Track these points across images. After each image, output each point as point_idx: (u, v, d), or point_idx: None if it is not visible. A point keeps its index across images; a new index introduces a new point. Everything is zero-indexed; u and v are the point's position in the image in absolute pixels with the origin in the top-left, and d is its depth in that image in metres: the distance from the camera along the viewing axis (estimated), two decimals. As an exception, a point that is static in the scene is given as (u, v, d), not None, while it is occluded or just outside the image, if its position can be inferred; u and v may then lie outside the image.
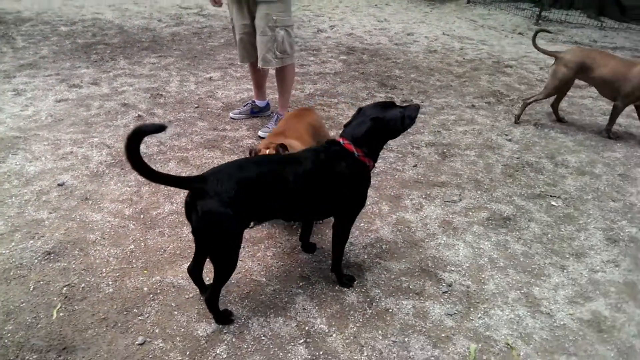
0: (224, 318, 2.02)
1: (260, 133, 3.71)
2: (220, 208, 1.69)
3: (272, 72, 3.87)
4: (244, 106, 4.07)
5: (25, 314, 2.01)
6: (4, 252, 2.36)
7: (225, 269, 1.87)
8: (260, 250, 2.50)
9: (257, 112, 4.06)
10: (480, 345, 2.00)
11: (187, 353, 1.88)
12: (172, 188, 2.90)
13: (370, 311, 2.16)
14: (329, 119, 4.12)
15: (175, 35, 6.44)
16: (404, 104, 2.24)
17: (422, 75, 5.39)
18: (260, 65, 3.54)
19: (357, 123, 2.06)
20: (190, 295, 2.16)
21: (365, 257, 2.51)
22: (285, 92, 3.82)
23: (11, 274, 2.23)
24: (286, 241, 2.59)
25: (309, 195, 1.97)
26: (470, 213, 2.92)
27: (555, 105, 4.25)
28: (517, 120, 4.20)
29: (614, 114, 3.89)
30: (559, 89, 4.03)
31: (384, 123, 2.02)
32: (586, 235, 2.74)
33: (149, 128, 1.57)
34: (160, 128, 1.58)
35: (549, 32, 6.05)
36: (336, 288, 2.27)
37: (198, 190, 1.71)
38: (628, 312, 2.21)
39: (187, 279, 2.19)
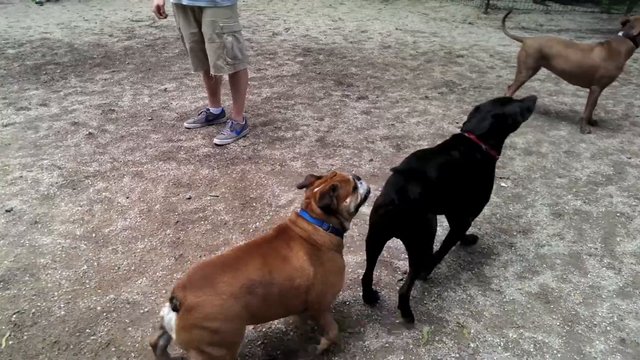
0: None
1: (215, 140, 3.70)
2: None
3: (226, 78, 3.88)
4: (199, 115, 4.06)
5: (-26, 345, 1.97)
6: (-50, 284, 2.29)
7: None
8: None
9: (212, 120, 4.05)
10: (432, 327, 2.05)
11: (143, 367, 1.87)
12: (125, 203, 2.89)
13: (327, 306, 2.19)
14: (285, 120, 4.15)
15: (128, 49, 6.35)
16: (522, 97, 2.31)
17: (378, 71, 5.47)
18: (212, 72, 3.53)
19: (478, 119, 2.15)
20: (146, 310, 2.14)
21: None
22: (240, 97, 3.82)
23: (-41, 306, 2.17)
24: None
25: (454, 187, 2.03)
26: (424, 201, 2.99)
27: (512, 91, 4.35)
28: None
29: (592, 99, 3.79)
30: (527, 75, 4.03)
31: (505, 118, 2.12)
32: (533, 212, 2.84)
33: None
34: None
35: (510, 14, 6.12)
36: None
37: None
38: (573, 281, 2.31)
39: (143, 294, 2.17)
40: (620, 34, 3.56)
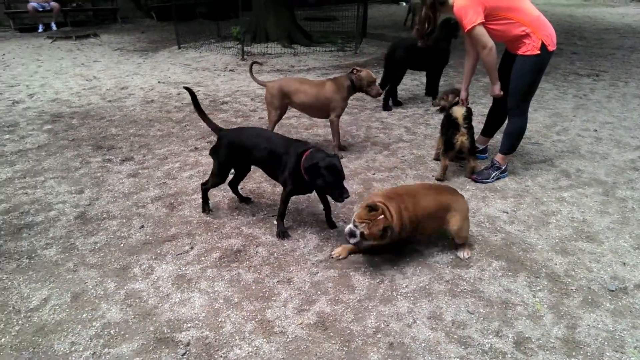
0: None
1: None
2: None
3: None
4: None
5: None
6: None
7: None
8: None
9: None
10: (222, 396, 1.95)
11: None
12: None
13: (101, 416, 1.87)
14: (34, 202, 3.56)
15: None
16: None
17: (142, 128, 5.21)
18: None
19: None
20: None
21: (90, 353, 2.19)
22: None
23: None
24: None
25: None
26: (203, 258, 2.90)
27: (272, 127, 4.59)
28: None
29: (334, 128, 4.28)
30: (277, 114, 4.34)
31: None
32: (305, 242, 3.03)
33: None
34: None
35: (260, 63, 6.65)
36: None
37: None
38: (344, 300, 2.52)
39: None
40: (347, 74, 4.21)
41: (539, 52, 3.36)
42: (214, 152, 3.24)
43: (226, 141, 3.13)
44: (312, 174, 2.76)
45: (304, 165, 2.79)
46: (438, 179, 3.84)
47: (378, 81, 4.55)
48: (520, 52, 3.43)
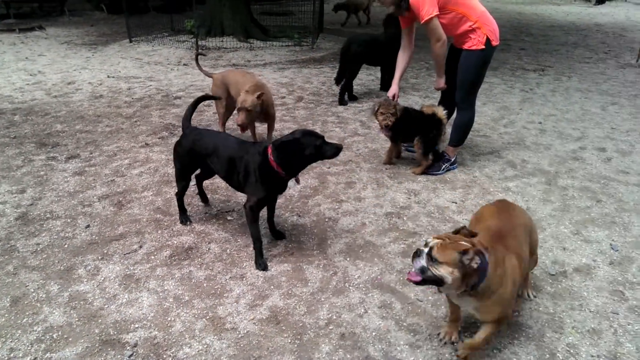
0: None
1: None
2: None
3: None
4: None
5: None
6: None
7: None
8: None
9: None
10: (170, 396, 1.91)
11: None
12: None
13: (41, 423, 1.79)
14: (-31, 204, 3.35)
15: None
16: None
17: (89, 124, 5.00)
18: None
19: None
20: None
21: (30, 358, 2.09)
22: None
23: None
24: None
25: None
26: (152, 257, 2.82)
27: (222, 123, 4.53)
28: None
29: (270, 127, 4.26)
30: (223, 104, 4.34)
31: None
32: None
33: None
34: None
35: (203, 54, 6.49)
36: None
37: None
38: (297, 294, 2.52)
39: None
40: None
41: (483, 47, 3.46)
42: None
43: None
44: (294, 150, 2.50)
45: (277, 148, 2.52)
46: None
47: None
48: (465, 46, 3.52)
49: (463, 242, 1.73)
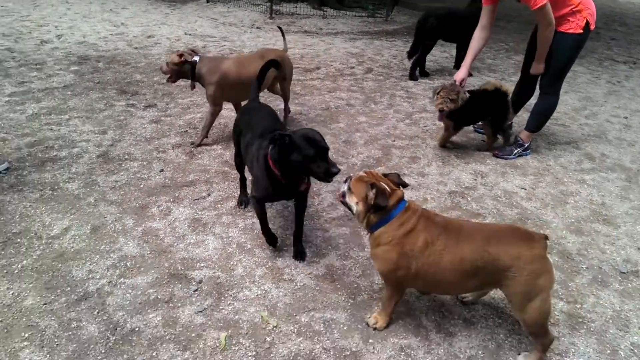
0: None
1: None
2: None
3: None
4: None
5: None
6: None
7: None
8: None
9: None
10: (230, 331, 2.03)
11: None
12: None
13: (114, 338, 1.97)
14: (59, 138, 3.64)
15: None
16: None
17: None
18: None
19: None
20: None
21: (106, 281, 2.28)
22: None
23: None
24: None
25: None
26: (219, 205, 2.95)
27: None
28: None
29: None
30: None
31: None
32: (319, 200, 3.06)
33: None
34: None
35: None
36: (72, 326, 2.00)
37: None
38: (354, 257, 2.56)
39: None
40: None
41: (581, 30, 3.24)
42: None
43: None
44: (284, 148, 2.06)
45: (271, 140, 2.11)
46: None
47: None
48: (562, 28, 3.29)
49: (378, 182, 1.85)
